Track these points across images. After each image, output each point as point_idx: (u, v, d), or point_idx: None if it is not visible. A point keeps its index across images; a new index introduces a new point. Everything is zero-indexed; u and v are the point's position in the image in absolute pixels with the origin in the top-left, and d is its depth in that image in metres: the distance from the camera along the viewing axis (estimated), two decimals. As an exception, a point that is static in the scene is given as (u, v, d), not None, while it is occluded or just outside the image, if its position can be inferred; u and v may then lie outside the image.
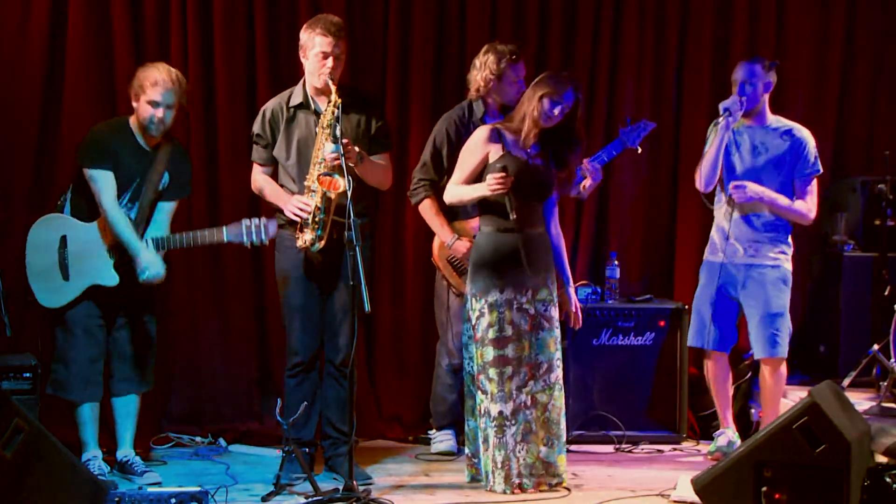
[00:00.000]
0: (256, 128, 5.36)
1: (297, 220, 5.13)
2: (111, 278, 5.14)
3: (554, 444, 5.05)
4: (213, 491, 4.70)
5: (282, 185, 5.33)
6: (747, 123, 5.65)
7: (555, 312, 5.10)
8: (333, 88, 5.02)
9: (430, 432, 5.96)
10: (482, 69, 5.62)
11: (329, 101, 5.07)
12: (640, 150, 6.01)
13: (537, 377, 5.03)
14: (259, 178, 5.39)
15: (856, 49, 6.76)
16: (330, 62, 5.15)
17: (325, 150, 5.02)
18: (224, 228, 5.17)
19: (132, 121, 5.22)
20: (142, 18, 6.11)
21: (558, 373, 5.07)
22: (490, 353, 5.03)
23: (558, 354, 5.08)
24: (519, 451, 5.00)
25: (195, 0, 6.14)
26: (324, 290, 5.29)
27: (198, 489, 4.52)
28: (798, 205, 5.64)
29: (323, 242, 5.10)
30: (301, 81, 5.33)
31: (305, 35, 5.22)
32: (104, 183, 5.11)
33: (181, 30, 6.13)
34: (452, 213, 5.68)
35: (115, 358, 5.27)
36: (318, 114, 5.24)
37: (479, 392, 5.07)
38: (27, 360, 5.21)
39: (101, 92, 6.00)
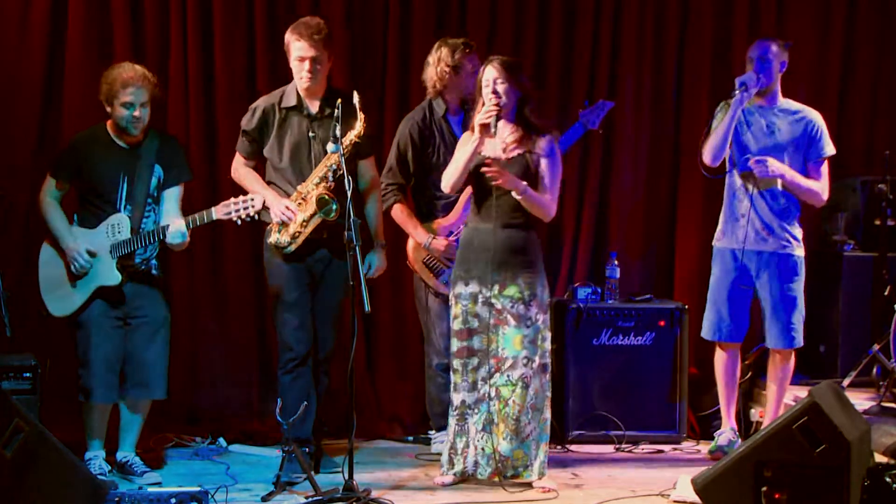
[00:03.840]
0: (245, 123, 5.43)
1: (280, 220, 5.24)
2: (113, 278, 5.16)
3: (512, 439, 5.08)
4: (213, 491, 4.70)
5: (269, 183, 5.40)
6: (759, 103, 5.65)
7: (527, 311, 5.07)
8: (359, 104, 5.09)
9: (430, 433, 5.96)
10: (437, 64, 5.64)
11: (328, 106, 5.19)
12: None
13: (502, 371, 5.06)
14: (242, 171, 5.47)
15: (855, 50, 6.76)
16: (307, 65, 5.25)
17: (328, 150, 5.12)
18: (212, 209, 5.16)
19: (109, 124, 5.26)
20: (142, 18, 6.12)
21: (525, 371, 5.05)
22: (455, 343, 5.14)
23: (526, 353, 5.06)
24: (479, 441, 5.09)
25: (195, 0, 6.14)
26: (313, 285, 5.38)
27: (198, 489, 4.52)
28: (814, 184, 5.64)
29: (293, 248, 5.25)
30: (293, 83, 5.39)
31: (287, 39, 5.32)
32: (48, 186, 5.29)
33: (181, 30, 6.14)
34: (423, 215, 5.71)
35: (129, 362, 5.27)
36: (310, 117, 5.33)
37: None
38: (27, 360, 5.21)
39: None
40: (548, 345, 5.14)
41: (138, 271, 5.24)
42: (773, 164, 5.54)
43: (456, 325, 5.14)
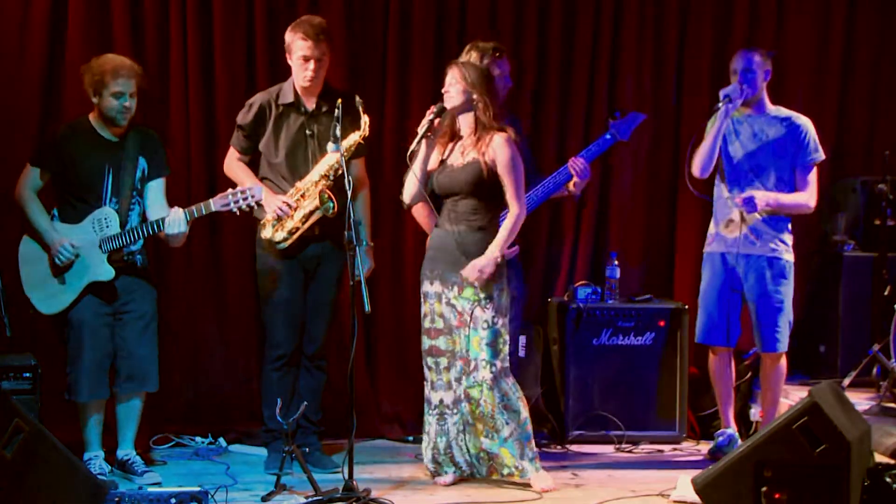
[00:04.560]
0: (240, 118, 5.48)
1: (275, 215, 5.28)
2: (106, 272, 5.16)
3: (493, 436, 5.10)
4: (213, 491, 4.70)
5: (263, 178, 5.44)
6: (747, 112, 5.65)
7: (483, 313, 5.06)
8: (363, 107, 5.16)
9: (430, 432, 5.97)
10: None
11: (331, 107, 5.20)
12: (629, 142, 5.98)
13: (468, 373, 5.08)
14: (234, 165, 5.50)
15: (855, 50, 6.76)
16: (312, 65, 5.30)
17: (327, 150, 5.15)
18: (210, 200, 5.18)
19: (91, 117, 5.26)
20: (142, 18, 6.11)
21: (484, 374, 5.05)
22: (426, 342, 5.19)
23: (484, 356, 5.05)
24: (461, 441, 5.12)
25: (195, 0, 6.15)
26: (304, 282, 5.44)
27: (198, 489, 4.52)
28: (799, 197, 5.64)
29: (288, 244, 5.29)
30: (290, 80, 5.44)
31: (289, 37, 5.36)
32: (30, 177, 5.24)
33: (181, 29, 6.14)
34: None
35: (120, 357, 5.27)
36: (307, 114, 5.38)
37: (424, 380, 5.21)
38: (27, 360, 5.21)
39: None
40: (508, 348, 5.14)
41: (126, 264, 5.23)
42: (761, 199, 5.54)
43: (425, 323, 5.18)
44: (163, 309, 5.53)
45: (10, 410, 4.16)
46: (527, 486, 5.11)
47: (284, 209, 5.26)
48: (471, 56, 5.61)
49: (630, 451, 5.96)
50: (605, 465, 5.69)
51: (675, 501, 4.93)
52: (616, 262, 6.26)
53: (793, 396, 5.79)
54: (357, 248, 4.83)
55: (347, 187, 4.92)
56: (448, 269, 5.11)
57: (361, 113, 5.20)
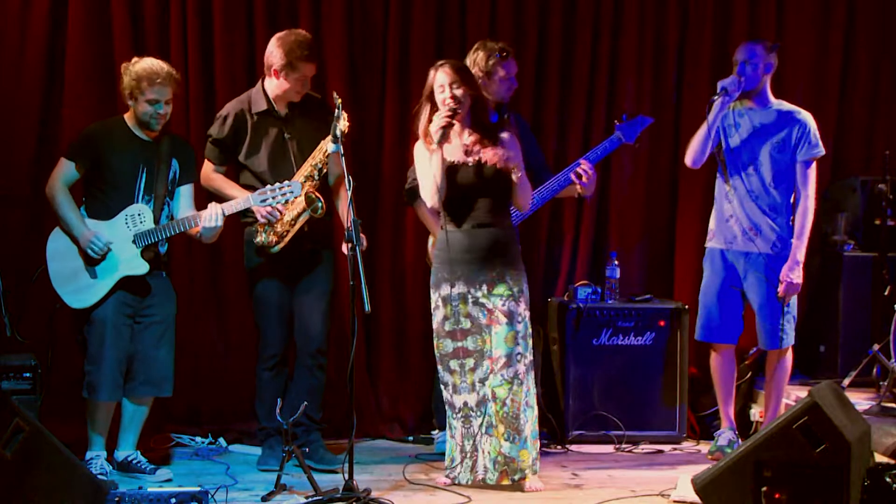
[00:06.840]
0: (216, 132, 5.49)
1: (265, 220, 5.31)
2: (140, 267, 5.18)
3: (515, 438, 5.06)
4: (213, 491, 4.70)
5: (246, 186, 5.46)
6: (748, 105, 5.64)
7: (517, 307, 5.06)
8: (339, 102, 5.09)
9: (433, 432, 5.96)
10: (472, 67, 5.63)
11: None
12: (637, 146, 5.95)
13: (496, 371, 5.05)
14: (215, 177, 5.53)
15: (855, 50, 6.77)
16: (308, 82, 5.38)
17: (327, 149, 5.17)
18: (248, 196, 5.23)
19: (127, 117, 5.27)
20: (142, 18, 6.12)
21: (519, 368, 5.04)
22: (449, 345, 5.13)
23: (519, 349, 5.04)
24: (484, 444, 5.08)
25: (195, 0, 6.15)
26: (293, 282, 5.47)
27: (198, 489, 4.52)
28: (804, 215, 5.57)
29: (280, 247, 5.33)
30: (259, 87, 5.45)
31: (284, 55, 5.30)
32: (64, 170, 5.20)
33: (181, 29, 6.15)
34: None
35: (137, 359, 5.27)
36: (282, 119, 5.42)
37: (441, 384, 5.16)
38: (27, 360, 5.21)
39: (101, 92, 6.01)
40: (531, 342, 5.15)
41: (154, 260, 5.24)
42: (795, 276, 5.53)
43: (447, 326, 5.12)
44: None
45: (10, 410, 4.17)
46: (520, 484, 5.08)
47: (274, 213, 5.27)
48: (478, 55, 5.61)
49: (630, 451, 5.96)
50: (605, 465, 5.69)
51: (675, 501, 4.93)
52: (616, 262, 6.26)
53: (793, 396, 5.79)
54: (357, 248, 4.82)
55: (348, 186, 4.91)
56: (475, 269, 5.06)
57: (340, 108, 5.12)
